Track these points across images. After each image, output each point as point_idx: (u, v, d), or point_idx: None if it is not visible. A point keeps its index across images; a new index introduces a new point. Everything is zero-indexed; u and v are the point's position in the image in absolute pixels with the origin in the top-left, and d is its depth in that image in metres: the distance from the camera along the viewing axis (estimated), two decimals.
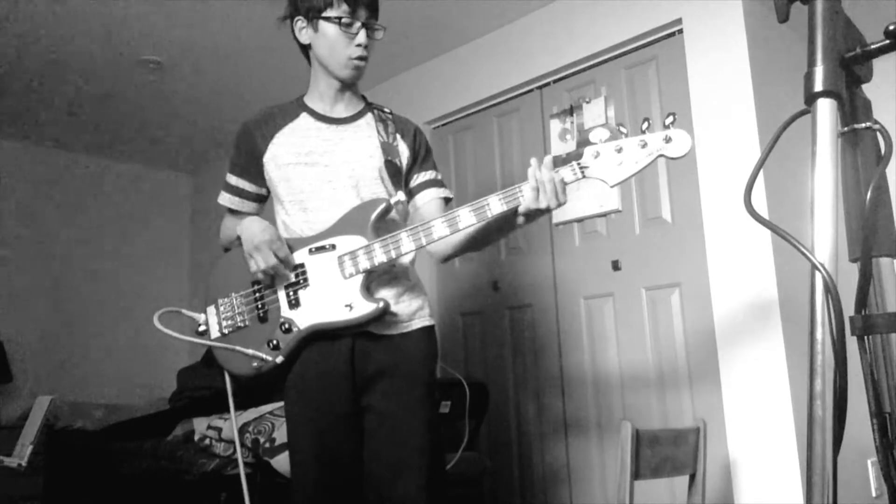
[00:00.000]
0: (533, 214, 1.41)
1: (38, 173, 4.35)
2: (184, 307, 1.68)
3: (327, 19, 1.54)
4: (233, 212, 1.72)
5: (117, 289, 4.57)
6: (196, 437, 2.79)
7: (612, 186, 1.38)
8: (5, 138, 4.20)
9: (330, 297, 1.49)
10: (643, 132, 1.36)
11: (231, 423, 2.59)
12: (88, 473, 3.19)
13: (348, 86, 1.64)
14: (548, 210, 1.39)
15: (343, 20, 1.53)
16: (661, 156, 1.35)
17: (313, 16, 1.56)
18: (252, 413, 2.60)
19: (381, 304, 1.47)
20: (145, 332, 4.55)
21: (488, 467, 2.82)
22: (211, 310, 1.62)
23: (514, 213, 1.43)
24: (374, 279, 1.55)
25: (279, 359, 1.50)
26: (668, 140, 1.34)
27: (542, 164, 1.39)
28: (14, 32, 3.01)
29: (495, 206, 1.41)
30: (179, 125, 4.18)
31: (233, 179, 1.70)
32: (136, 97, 3.74)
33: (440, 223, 1.44)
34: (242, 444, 2.48)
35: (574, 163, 1.38)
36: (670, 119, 1.34)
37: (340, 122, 1.64)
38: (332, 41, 1.56)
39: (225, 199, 1.71)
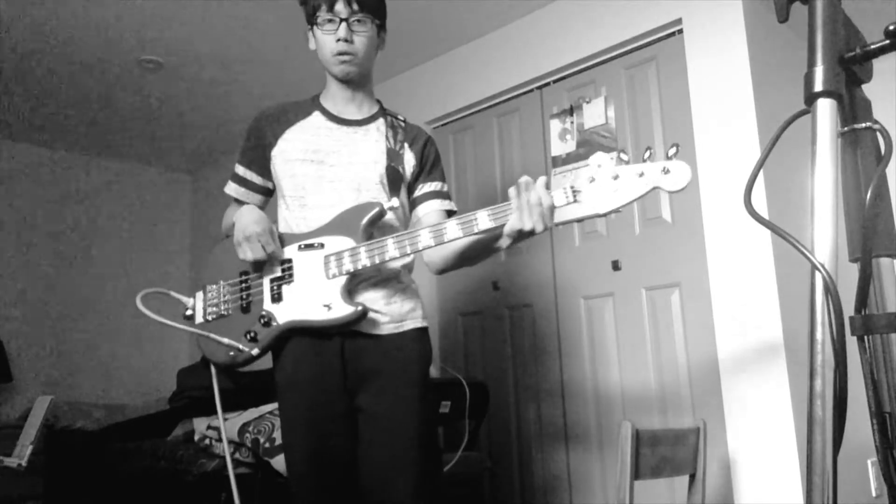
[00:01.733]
0: (518, 236, 1.37)
1: (38, 173, 4.35)
2: (167, 291, 1.68)
3: (314, 24, 1.59)
4: (238, 202, 1.73)
5: (117, 289, 4.57)
6: (196, 437, 2.79)
7: (602, 215, 1.33)
8: (5, 138, 4.20)
9: (311, 296, 1.50)
10: (644, 160, 1.31)
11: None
12: (88, 473, 3.19)
13: (359, 88, 1.66)
14: (532, 233, 1.34)
15: (319, 19, 1.56)
16: (657, 188, 1.30)
17: (311, 24, 1.61)
18: (252, 413, 2.60)
19: (360, 308, 1.47)
20: (145, 332, 4.56)
21: (488, 467, 2.83)
22: (199, 295, 1.64)
23: (499, 234, 1.40)
24: (363, 280, 1.55)
25: (255, 351, 1.50)
26: (665, 172, 1.30)
27: (529, 186, 1.33)
28: (14, 33, 3.01)
29: (483, 221, 1.38)
30: (179, 125, 4.18)
31: (241, 170, 1.71)
32: (136, 97, 3.74)
33: (426, 234, 1.43)
34: (242, 444, 2.48)
35: (568, 186, 1.34)
36: (673, 150, 1.29)
37: (351, 124, 1.65)
38: (321, 42, 1.59)
39: (231, 188, 1.73)
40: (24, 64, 3.30)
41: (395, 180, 1.60)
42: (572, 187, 1.34)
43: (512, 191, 1.35)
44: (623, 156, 1.33)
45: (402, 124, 1.70)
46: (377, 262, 1.46)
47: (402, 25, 3.08)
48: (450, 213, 1.67)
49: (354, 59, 1.59)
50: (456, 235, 1.41)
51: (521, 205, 1.33)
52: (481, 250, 1.54)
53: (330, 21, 1.55)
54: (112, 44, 3.16)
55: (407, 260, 1.62)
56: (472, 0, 2.92)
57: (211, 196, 4.88)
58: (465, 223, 1.40)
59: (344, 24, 1.54)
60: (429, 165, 1.68)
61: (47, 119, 3.98)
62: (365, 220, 1.51)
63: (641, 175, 1.31)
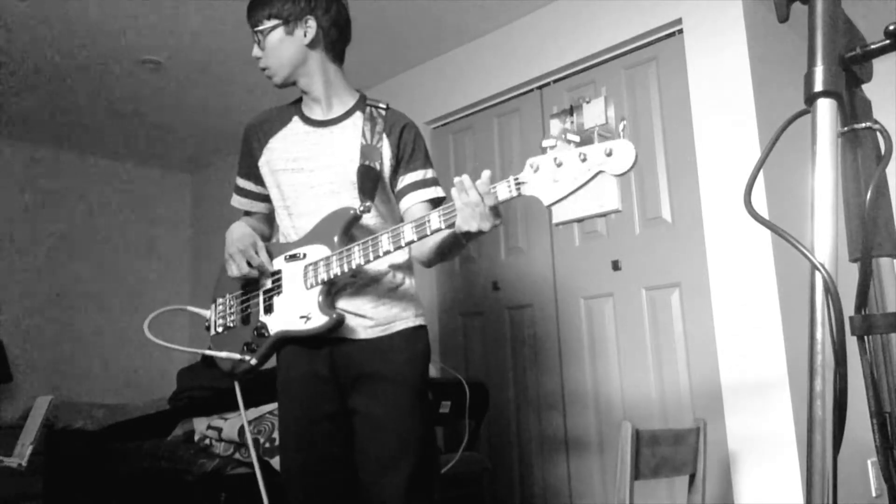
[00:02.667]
0: (467, 236, 1.33)
1: (38, 173, 4.35)
2: (184, 307, 1.74)
3: None
4: (247, 212, 1.75)
5: (117, 289, 4.57)
6: (196, 437, 2.79)
7: (547, 206, 1.23)
8: (6, 138, 4.20)
9: (293, 306, 1.52)
10: (593, 141, 1.21)
11: (235, 421, 2.59)
12: (88, 473, 3.19)
13: (321, 88, 1.61)
14: (479, 233, 1.30)
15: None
16: (601, 172, 1.18)
17: None
18: (252, 413, 2.60)
19: (335, 317, 1.47)
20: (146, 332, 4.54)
21: (488, 467, 2.82)
22: (212, 308, 1.70)
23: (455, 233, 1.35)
24: (348, 286, 1.54)
25: (252, 361, 1.53)
26: (609, 154, 1.17)
27: (464, 187, 1.27)
28: (14, 33, 3.01)
29: (435, 222, 1.33)
30: (179, 125, 4.18)
31: (240, 181, 1.73)
32: (136, 97, 3.74)
33: (386, 239, 1.40)
34: (242, 444, 2.48)
35: (511, 178, 1.26)
36: (621, 126, 1.21)
37: (326, 125, 1.62)
38: None
39: (236, 201, 1.75)
40: (23, 64, 3.30)
41: (368, 179, 1.54)
42: (516, 179, 1.26)
43: (453, 191, 1.29)
44: (571, 136, 1.22)
45: (382, 114, 1.61)
46: (346, 269, 1.45)
47: (402, 25, 3.08)
48: (436, 202, 1.59)
49: (270, 71, 1.60)
50: (411, 238, 1.38)
51: (461, 207, 1.28)
52: (452, 246, 1.49)
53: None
54: (112, 44, 3.16)
55: (397, 259, 1.60)
56: (472, 0, 2.92)
57: (211, 196, 4.87)
58: (419, 226, 1.36)
59: (256, 40, 1.58)
60: (408, 154, 1.60)
61: (47, 119, 3.98)
62: (339, 228, 1.50)
63: (584, 160, 1.19)
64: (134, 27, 3.03)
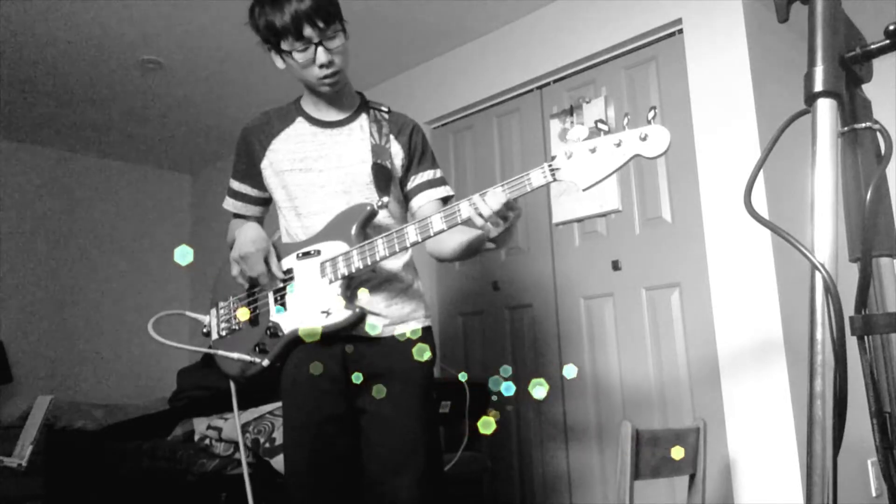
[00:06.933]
0: (494, 241, 1.43)
1: (38, 173, 4.35)
2: (184, 307, 1.71)
3: (284, 52, 1.51)
4: (239, 215, 1.74)
5: (117, 289, 4.57)
6: (196, 437, 2.79)
7: (583, 190, 1.29)
8: (5, 138, 4.20)
9: (311, 303, 1.51)
10: (624, 128, 1.27)
11: (235, 422, 2.59)
12: (88, 473, 3.19)
13: (340, 88, 1.61)
14: (497, 239, 1.41)
15: (286, 45, 1.49)
16: (637, 156, 1.25)
17: (276, 50, 1.53)
18: (252, 413, 2.60)
19: (357, 311, 1.47)
20: (145, 332, 4.53)
21: (488, 467, 2.82)
22: (213, 312, 1.67)
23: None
24: (362, 284, 1.54)
25: (265, 362, 1.52)
26: (643, 138, 1.24)
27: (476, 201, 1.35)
28: (14, 33, 3.01)
29: (465, 211, 1.38)
30: (179, 125, 4.18)
31: (235, 184, 1.71)
32: (136, 97, 3.74)
33: (412, 230, 1.42)
34: (243, 444, 2.48)
35: (545, 165, 1.31)
36: (651, 114, 1.24)
37: (334, 126, 1.62)
38: (296, 69, 1.53)
39: (229, 203, 1.74)
40: (24, 64, 3.30)
41: (382, 177, 1.58)
42: (550, 166, 1.31)
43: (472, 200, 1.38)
44: (602, 126, 1.28)
45: (386, 115, 1.65)
46: (369, 263, 1.46)
47: (402, 25, 3.08)
48: (446, 200, 1.65)
49: (340, 77, 1.55)
50: (440, 228, 1.40)
51: (475, 211, 1.36)
52: (478, 247, 1.53)
53: (304, 50, 1.48)
54: (112, 44, 3.16)
55: (405, 259, 1.62)
56: (472, 0, 2.92)
57: (211, 196, 4.87)
58: (448, 216, 1.39)
59: (321, 49, 1.48)
60: (418, 155, 1.65)
61: (47, 119, 3.98)
62: (356, 223, 1.50)
63: (619, 145, 1.26)
64: (134, 27, 3.03)
